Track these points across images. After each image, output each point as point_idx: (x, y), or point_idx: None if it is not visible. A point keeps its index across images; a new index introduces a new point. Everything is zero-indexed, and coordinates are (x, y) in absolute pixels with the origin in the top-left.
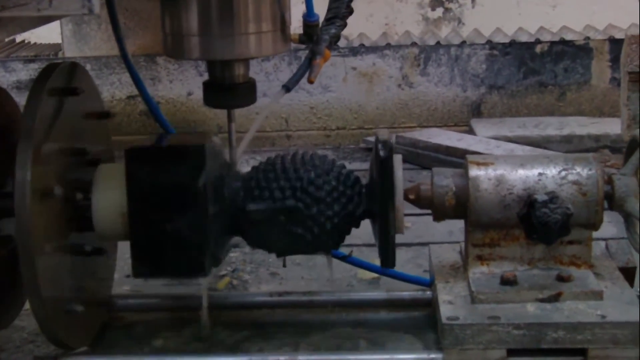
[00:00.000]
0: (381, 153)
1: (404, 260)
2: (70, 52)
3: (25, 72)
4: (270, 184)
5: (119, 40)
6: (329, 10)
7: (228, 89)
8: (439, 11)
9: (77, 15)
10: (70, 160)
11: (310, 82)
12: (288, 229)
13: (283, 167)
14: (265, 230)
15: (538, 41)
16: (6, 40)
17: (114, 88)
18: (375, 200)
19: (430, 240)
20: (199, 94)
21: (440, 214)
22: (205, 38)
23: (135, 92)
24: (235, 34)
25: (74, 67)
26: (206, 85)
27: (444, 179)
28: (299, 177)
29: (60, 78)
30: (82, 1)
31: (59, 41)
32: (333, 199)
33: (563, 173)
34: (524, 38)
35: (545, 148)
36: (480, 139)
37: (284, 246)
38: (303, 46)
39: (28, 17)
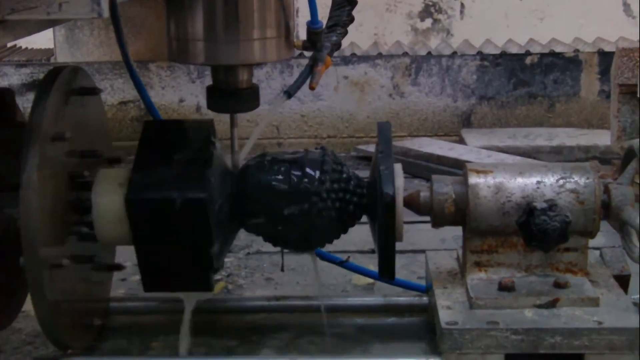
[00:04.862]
0: (385, 199)
1: (397, 267)
2: (63, 57)
3: (17, 77)
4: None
5: (121, 45)
6: (330, 18)
7: (232, 93)
8: (428, 22)
9: (86, 19)
10: (73, 164)
11: (312, 88)
12: (286, 230)
13: (283, 170)
14: (264, 231)
15: (528, 53)
16: None
17: (105, 94)
18: (374, 201)
19: (423, 248)
20: (191, 100)
21: (439, 221)
22: (210, 43)
23: (127, 98)
24: (240, 39)
25: (77, 71)
26: (210, 90)
27: (444, 187)
28: (299, 181)
29: (66, 81)
30: (92, 5)
31: (51, 46)
32: (333, 200)
33: (561, 181)
34: (514, 49)
35: (535, 158)
36: (471, 148)
37: (280, 243)
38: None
39: (36, 20)
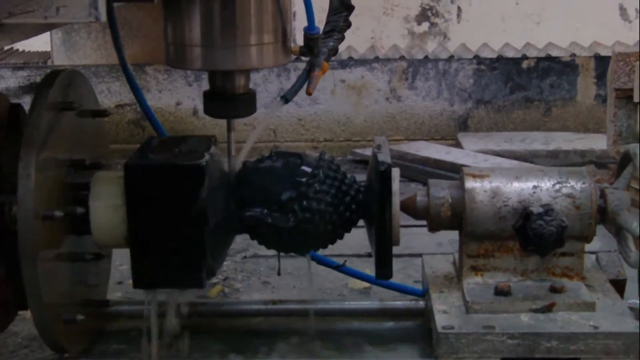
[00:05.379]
0: (381, 167)
1: (394, 271)
2: (59, 60)
3: (14, 80)
4: (266, 191)
5: (118, 48)
6: (327, 23)
7: (229, 99)
8: (425, 26)
9: (83, 23)
10: (69, 167)
11: (309, 94)
12: (281, 231)
13: (278, 171)
14: (259, 233)
15: (525, 57)
16: None
17: (102, 97)
18: (371, 206)
19: (419, 252)
20: (187, 103)
21: (435, 225)
22: (207, 49)
23: (124, 101)
24: (237, 45)
25: (73, 75)
26: (207, 95)
27: (441, 191)
28: (295, 181)
29: (61, 87)
30: (89, 9)
31: (48, 49)
32: (329, 203)
33: (557, 186)
34: (510, 54)
35: (531, 162)
36: (467, 152)
37: (276, 245)
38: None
39: (33, 24)
